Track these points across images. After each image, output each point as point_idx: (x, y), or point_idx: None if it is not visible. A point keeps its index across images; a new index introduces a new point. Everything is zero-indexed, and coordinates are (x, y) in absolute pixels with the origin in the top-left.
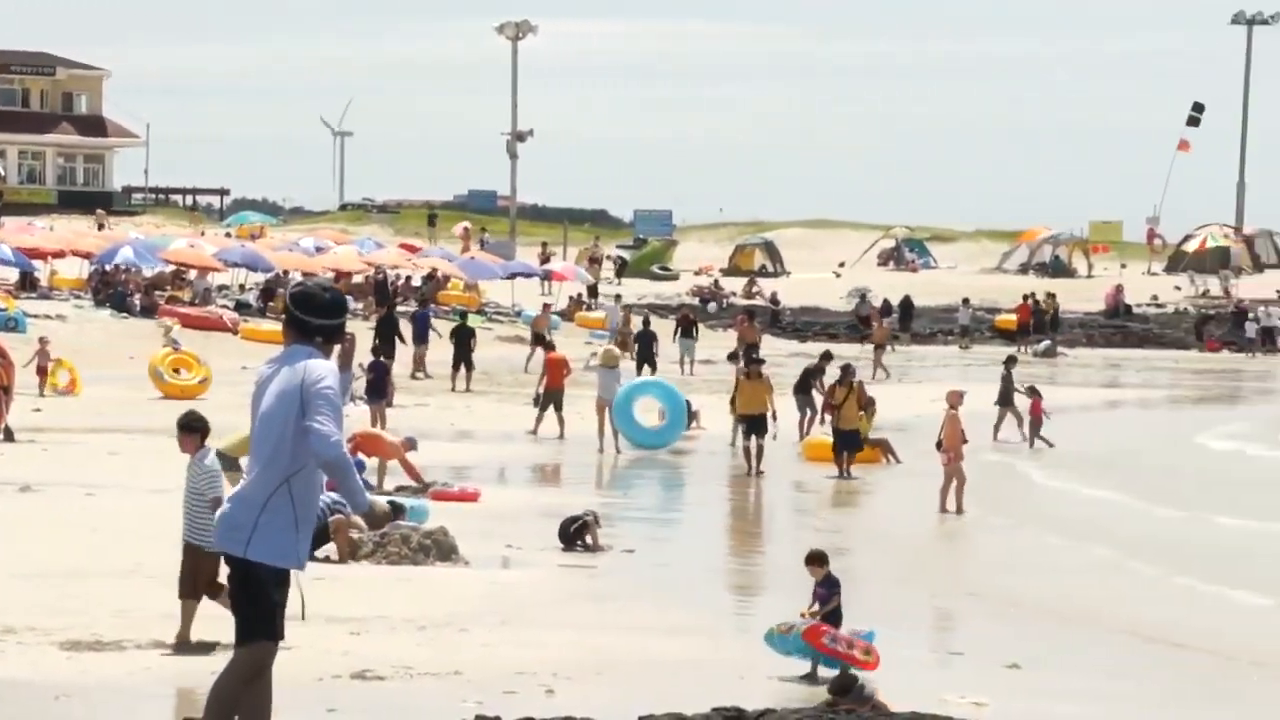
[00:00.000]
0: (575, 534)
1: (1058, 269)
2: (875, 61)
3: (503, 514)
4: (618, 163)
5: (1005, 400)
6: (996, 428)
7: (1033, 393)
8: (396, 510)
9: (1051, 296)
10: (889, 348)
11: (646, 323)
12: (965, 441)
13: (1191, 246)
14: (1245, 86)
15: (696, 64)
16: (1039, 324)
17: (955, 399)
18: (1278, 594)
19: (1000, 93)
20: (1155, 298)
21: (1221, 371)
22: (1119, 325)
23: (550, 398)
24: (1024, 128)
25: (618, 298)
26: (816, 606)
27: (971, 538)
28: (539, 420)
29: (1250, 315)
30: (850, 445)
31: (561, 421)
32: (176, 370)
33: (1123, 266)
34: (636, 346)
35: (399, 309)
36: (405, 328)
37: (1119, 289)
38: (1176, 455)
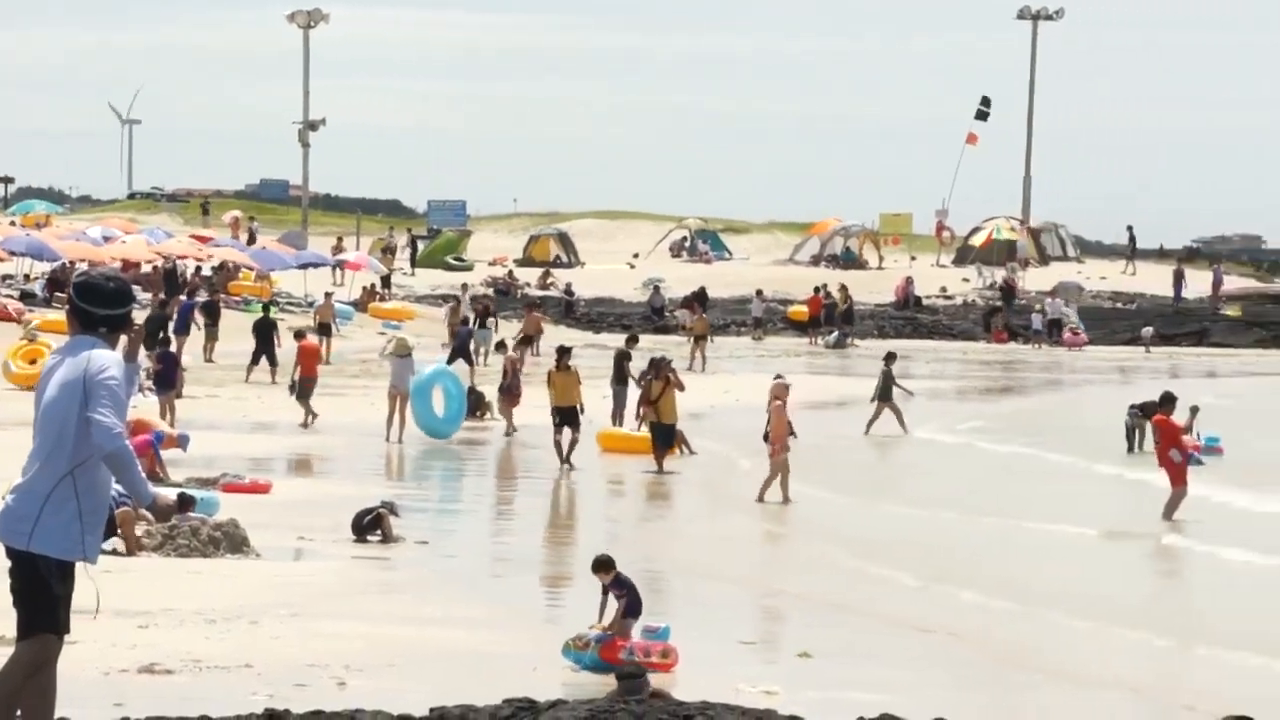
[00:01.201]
0: (368, 526)
1: (849, 260)
2: (669, 55)
3: (294, 505)
4: (411, 153)
5: (884, 396)
6: (870, 422)
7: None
8: (186, 502)
9: (844, 288)
10: (709, 339)
11: (466, 321)
12: (793, 434)
13: (979, 239)
14: (1030, 81)
15: (490, 55)
16: (829, 315)
17: (781, 391)
18: (1002, 591)
19: (792, 87)
20: (944, 289)
21: (1007, 363)
22: (909, 317)
23: (304, 385)
24: (815, 121)
25: (465, 287)
26: (611, 615)
27: (761, 530)
28: (306, 412)
29: (1037, 307)
30: (666, 440)
31: (310, 409)
32: (32, 361)
33: (912, 258)
34: (455, 342)
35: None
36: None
37: (909, 281)
38: (909, 449)
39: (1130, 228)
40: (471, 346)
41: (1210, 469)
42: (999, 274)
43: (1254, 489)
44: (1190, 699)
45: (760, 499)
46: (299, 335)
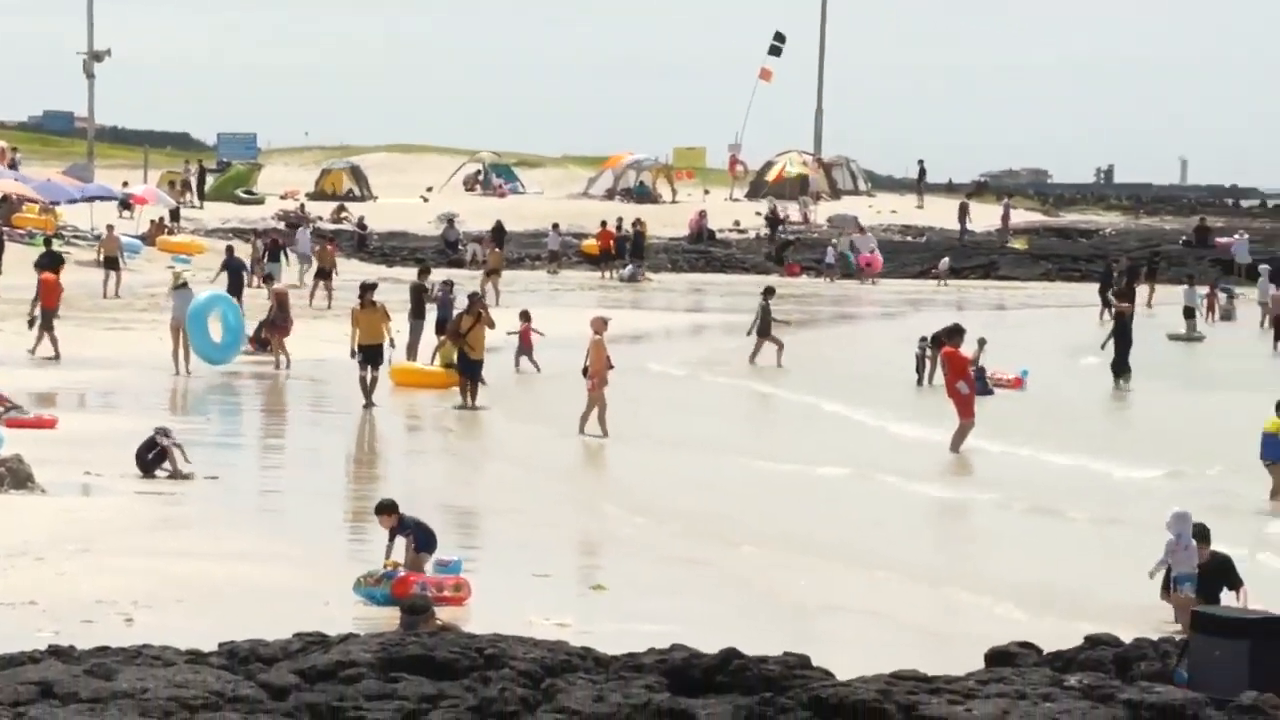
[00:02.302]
0: (154, 460)
1: (642, 194)
2: None
3: (81, 440)
4: (200, 85)
5: (764, 331)
6: (753, 356)
7: (524, 318)
8: None
9: (639, 221)
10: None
11: (230, 250)
12: (611, 367)
13: (771, 174)
14: (822, 16)
15: None
16: (620, 249)
17: (600, 325)
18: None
19: (586, 21)
20: (737, 223)
21: (800, 296)
22: (702, 250)
23: (46, 317)
24: (609, 55)
25: (285, 215)
26: (401, 553)
27: (555, 465)
28: (39, 340)
29: (833, 241)
30: (474, 374)
31: (54, 341)
32: None
33: (706, 192)
34: (227, 276)
35: None
36: None
37: (702, 215)
38: (698, 388)
39: (921, 161)
40: (247, 280)
41: (994, 406)
42: (791, 208)
43: (1018, 431)
44: (951, 636)
45: (581, 431)
46: (39, 267)
